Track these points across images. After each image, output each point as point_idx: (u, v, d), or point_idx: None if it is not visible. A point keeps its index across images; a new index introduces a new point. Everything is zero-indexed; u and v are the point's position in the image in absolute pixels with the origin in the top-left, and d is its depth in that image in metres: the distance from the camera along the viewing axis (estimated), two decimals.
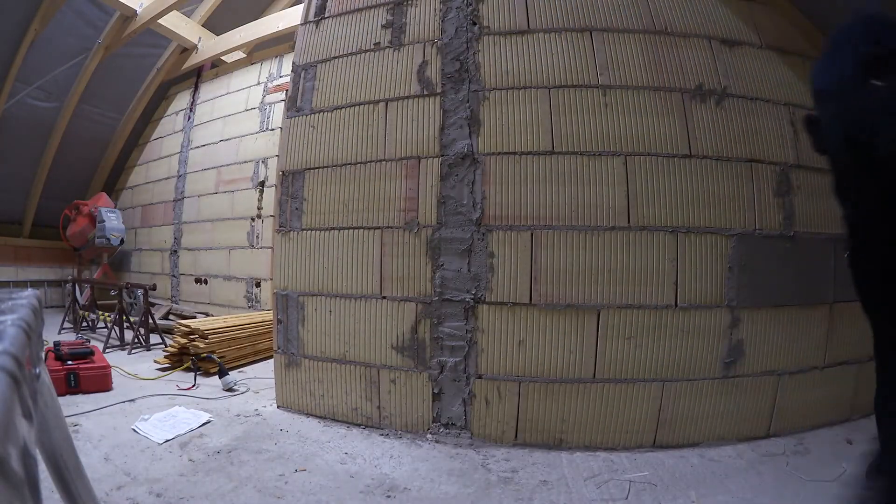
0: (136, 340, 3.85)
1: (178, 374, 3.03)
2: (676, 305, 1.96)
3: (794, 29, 2.28)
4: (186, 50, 5.62)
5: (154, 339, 3.98)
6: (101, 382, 2.66)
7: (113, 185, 6.59)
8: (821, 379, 2.09)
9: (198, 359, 3.04)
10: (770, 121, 2.12)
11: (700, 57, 2.12)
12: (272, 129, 4.68)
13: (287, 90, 2.62)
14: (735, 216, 2.02)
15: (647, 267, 1.96)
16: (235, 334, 3.42)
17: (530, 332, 1.98)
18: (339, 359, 2.25)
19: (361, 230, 2.22)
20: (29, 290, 0.74)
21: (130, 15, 4.92)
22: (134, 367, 3.14)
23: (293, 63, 2.57)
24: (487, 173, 2.07)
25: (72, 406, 2.35)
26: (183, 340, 3.17)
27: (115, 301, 4.00)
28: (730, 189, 2.03)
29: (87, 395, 2.56)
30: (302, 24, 2.59)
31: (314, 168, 2.38)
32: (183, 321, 3.41)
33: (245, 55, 5.36)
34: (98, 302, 4.76)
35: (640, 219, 1.98)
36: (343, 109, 2.35)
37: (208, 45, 5.43)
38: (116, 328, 3.88)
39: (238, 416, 2.32)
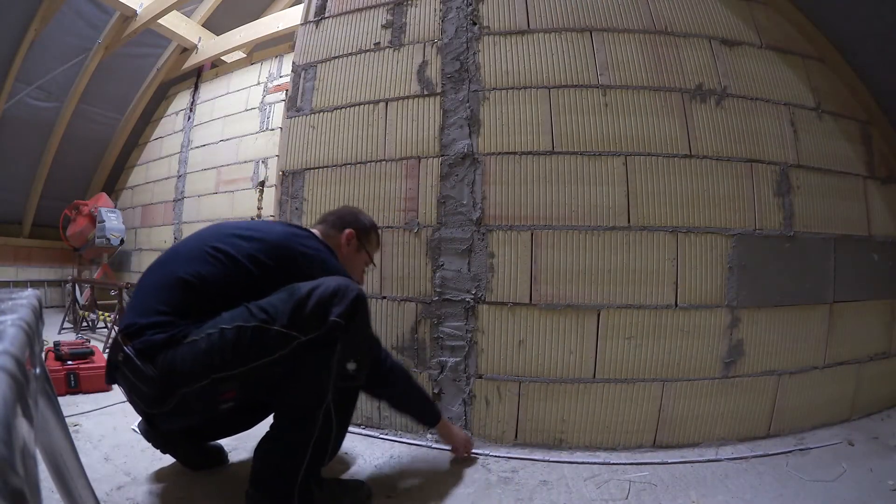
0: None
1: None
2: (676, 305, 1.96)
3: (794, 29, 2.28)
4: (186, 50, 5.62)
5: None
6: (101, 382, 2.65)
7: (113, 185, 6.58)
8: (821, 379, 2.09)
9: None
10: (770, 121, 2.12)
11: (700, 57, 2.11)
12: (272, 129, 4.67)
13: (287, 90, 2.62)
14: (735, 216, 2.02)
15: (647, 267, 1.96)
16: None
17: (530, 332, 1.98)
18: None
19: None
20: (29, 290, 0.74)
21: (130, 15, 4.92)
22: None
23: (293, 63, 2.57)
24: (487, 173, 2.07)
25: (72, 406, 2.35)
26: None
27: (115, 301, 4.00)
28: (730, 189, 2.03)
29: (87, 395, 2.56)
30: (302, 25, 2.59)
31: (314, 168, 2.38)
32: None
33: (245, 55, 5.36)
34: (98, 302, 4.76)
35: (640, 219, 1.98)
36: (343, 109, 2.35)
37: (208, 45, 5.43)
38: (116, 328, 3.87)
39: None
